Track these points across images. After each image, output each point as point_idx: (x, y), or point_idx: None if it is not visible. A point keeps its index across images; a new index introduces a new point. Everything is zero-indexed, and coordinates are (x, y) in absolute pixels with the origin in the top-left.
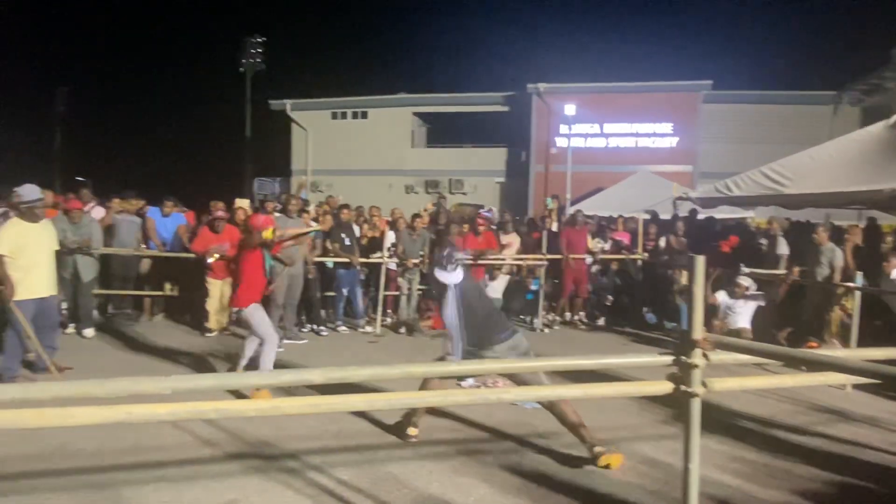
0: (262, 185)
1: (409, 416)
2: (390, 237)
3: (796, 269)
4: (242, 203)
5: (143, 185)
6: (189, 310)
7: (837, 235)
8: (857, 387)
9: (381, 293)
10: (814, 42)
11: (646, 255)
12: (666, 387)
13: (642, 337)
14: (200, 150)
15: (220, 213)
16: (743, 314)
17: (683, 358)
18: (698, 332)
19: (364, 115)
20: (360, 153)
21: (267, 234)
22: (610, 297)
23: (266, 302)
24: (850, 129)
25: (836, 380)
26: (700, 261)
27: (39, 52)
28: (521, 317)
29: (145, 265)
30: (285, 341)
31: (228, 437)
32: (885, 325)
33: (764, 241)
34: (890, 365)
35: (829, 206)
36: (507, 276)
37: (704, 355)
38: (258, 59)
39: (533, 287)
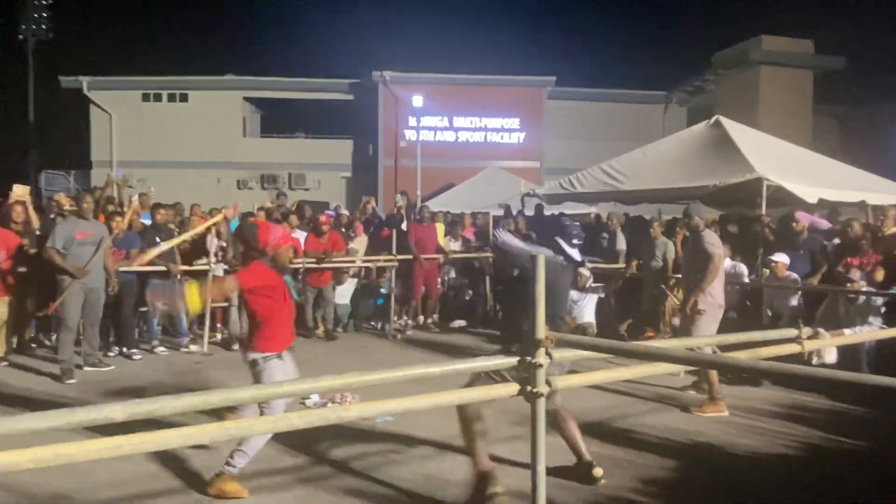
0: (50, 179)
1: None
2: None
3: (634, 263)
4: (21, 192)
5: None
6: None
7: (670, 229)
8: (689, 371)
9: (208, 305)
10: (648, 43)
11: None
12: (512, 388)
13: (497, 337)
14: None
15: None
16: (587, 308)
17: (528, 358)
18: (541, 331)
19: (184, 98)
20: (180, 142)
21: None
22: (470, 292)
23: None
24: (679, 127)
25: (670, 368)
26: (541, 259)
27: None
28: (372, 323)
29: None
30: (86, 369)
31: (9, 496)
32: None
33: (605, 236)
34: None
35: (661, 201)
36: (356, 280)
37: (548, 354)
38: (43, 26)
39: (383, 290)
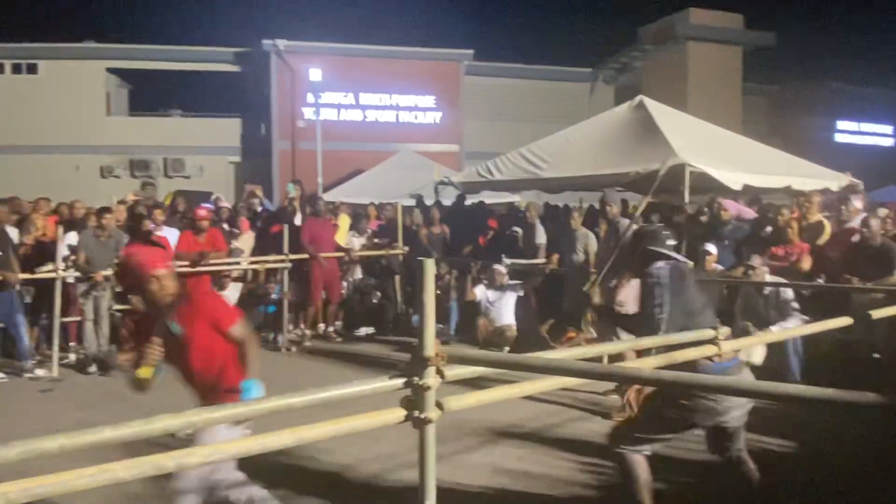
0: None
1: None
2: (69, 240)
3: (555, 257)
4: None
5: None
6: None
7: (593, 220)
8: None
9: (57, 320)
10: (573, 14)
11: (407, 248)
12: (398, 414)
13: (409, 346)
14: None
15: None
16: (505, 308)
17: (415, 379)
18: (430, 347)
19: (32, 70)
20: (28, 122)
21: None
22: (378, 295)
23: None
24: (606, 107)
25: (570, 381)
26: (429, 264)
27: None
28: (262, 334)
29: None
30: None
31: None
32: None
33: (518, 230)
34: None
35: (583, 188)
36: (241, 284)
37: (439, 373)
38: None
39: (274, 296)
